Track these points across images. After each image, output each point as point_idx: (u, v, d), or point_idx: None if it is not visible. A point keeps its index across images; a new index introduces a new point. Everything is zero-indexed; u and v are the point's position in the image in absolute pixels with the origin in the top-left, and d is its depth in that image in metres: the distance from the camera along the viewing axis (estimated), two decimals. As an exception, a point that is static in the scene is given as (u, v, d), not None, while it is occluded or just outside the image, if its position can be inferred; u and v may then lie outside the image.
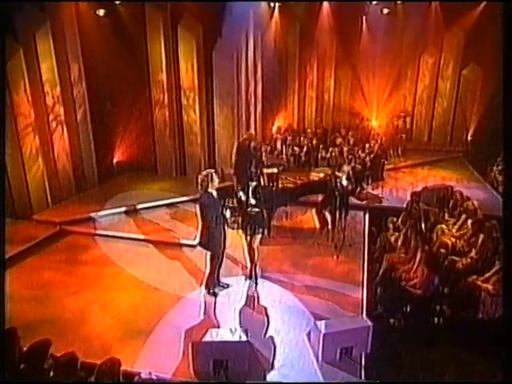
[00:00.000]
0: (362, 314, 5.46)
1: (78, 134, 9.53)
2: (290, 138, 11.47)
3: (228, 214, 5.92)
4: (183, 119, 10.69)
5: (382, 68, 13.06)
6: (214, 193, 5.59)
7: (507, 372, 3.23)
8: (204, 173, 5.61)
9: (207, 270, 5.89)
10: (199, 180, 5.56)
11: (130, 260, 6.99)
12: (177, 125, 10.76)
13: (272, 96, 12.59)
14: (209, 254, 5.78)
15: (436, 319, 5.58)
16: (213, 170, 5.69)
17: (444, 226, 7.31)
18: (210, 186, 5.52)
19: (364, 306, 5.67)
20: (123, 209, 8.78)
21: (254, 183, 6.03)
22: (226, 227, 5.84)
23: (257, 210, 5.97)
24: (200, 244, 5.71)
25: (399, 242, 6.82)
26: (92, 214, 8.43)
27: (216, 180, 5.56)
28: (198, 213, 5.53)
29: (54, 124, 8.82)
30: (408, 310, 5.65)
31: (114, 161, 10.95)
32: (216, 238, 5.65)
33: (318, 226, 7.98)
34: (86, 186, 9.86)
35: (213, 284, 5.98)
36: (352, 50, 13.04)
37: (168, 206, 9.13)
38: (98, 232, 7.97)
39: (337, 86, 13.69)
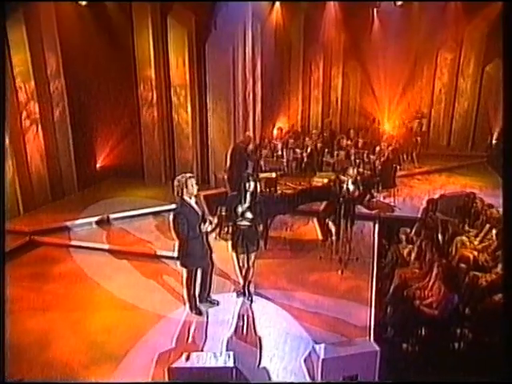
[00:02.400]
0: (369, 337, 5.21)
1: (54, 134, 9.42)
2: (291, 140, 11.32)
3: (215, 223, 5.68)
4: (173, 119, 10.63)
5: (394, 65, 12.98)
6: (191, 200, 5.35)
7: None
8: (179, 177, 5.37)
9: (185, 290, 5.70)
10: (174, 186, 5.35)
11: (106, 274, 6.80)
12: (166, 126, 10.69)
13: (273, 95, 12.52)
14: (184, 270, 5.57)
15: (456, 344, 5.30)
16: (188, 175, 5.40)
17: (464, 237, 7.04)
18: (184, 192, 5.28)
19: (371, 328, 5.42)
20: (102, 217, 8.59)
21: (250, 188, 5.74)
22: (207, 241, 5.59)
23: (247, 223, 5.70)
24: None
25: (413, 256, 6.58)
26: (67, 223, 8.25)
27: (194, 186, 5.30)
28: (171, 223, 5.33)
29: (27, 122, 8.71)
30: (423, 333, 5.38)
31: (97, 165, 10.81)
32: (194, 253, 5.42)
33: (320, 237, 7.81)
34: (63, 192, 9.73)
35: (198, 301, 5.77)
36: (362, 45, 12.99)
37: (154, 214, 8.97)
38: (73, 243, 7.77)
39: (345, 84, 13.66)
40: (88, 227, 8.39)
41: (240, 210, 5.70)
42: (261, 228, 6.79)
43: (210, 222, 5.44)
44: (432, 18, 12.40)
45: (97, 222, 8.51)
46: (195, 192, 5.33)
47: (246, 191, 5.72)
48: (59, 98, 9.38)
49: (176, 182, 5.35)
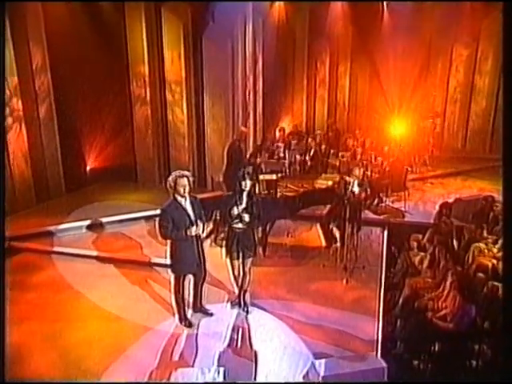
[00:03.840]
0: (376, 352, 5.06)
1: (40, 133, 9.33)
2: (294, 141, 11.26)
3: (210, 229, 5.53)
4: (168, 118, 10.59)
5: (406, 61, 12.96)
6: (183, 201, 5.21)
7: None
8: (172, 175, 5.22)
9: (173, 299, 5.58)
10: (167, 185, 5.23)
11: (91, 283, 6.66)
12: (160, 125, 10.65)
13: (275, 93, 12.48)
14: (172, 277, 5.45)
15: (473, 362, 5.10)
16: (178, 174, 5.22)
17: (482, 244, 6.86)
18: (175, 192, 5.15)
19: (379, 342, 5.29)
20: (89, 222, 8.48)
21: (247, 187, 5.55)
22: (202, 247, 5.45)
23: (242, 226, 5.53)
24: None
25: (425, 264, 6.44)
26: (50, 228, 8.12)
27: (183, 186, 5.13)
28: (157, 224, 5.23)
29: (9, 120, 8.61)
30: (436, 348, 5.21)
31: (87, 167, 10.72)
32: (182, 258, 5.30)
33: (323, 243, 7.76)
34: (49, 195, 9.62)
35: (191, 311, 5.72)
36: (370, 41, 12.91)
37: (146, 219, 8.82)
38: (56, 249, 7.63)
39: (352, 81, 13.62)
40: (73, 232, 8.26)
41: (236, 211, 5.53)
42: (259, 233, 6.66)
43: (202, 229, 5.28)
44: (446, 11, 12.33)
45: (91, 226, 8.42)
46: (183, 192, 5.15)
47: (242, 191, 5.55)
48: (45, 94, 9.31)
49: (168, 181, 5.24)
